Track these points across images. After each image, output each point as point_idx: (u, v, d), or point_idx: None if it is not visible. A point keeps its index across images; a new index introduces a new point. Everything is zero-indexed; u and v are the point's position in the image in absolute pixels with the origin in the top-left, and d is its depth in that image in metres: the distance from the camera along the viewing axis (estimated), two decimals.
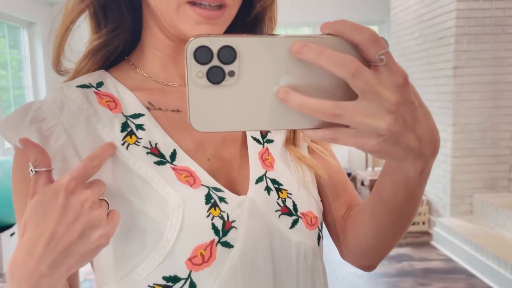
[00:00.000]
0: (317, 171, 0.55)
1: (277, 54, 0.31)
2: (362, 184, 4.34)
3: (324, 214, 0.58)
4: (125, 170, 0.46)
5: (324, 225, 0.57)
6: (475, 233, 3.07)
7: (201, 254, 0.44)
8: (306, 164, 0.55)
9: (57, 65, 0.52)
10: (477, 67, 3.39)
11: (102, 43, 0.52)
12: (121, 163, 0.47)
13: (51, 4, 4.73)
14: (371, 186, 4.13)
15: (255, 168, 0.51)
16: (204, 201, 0.46)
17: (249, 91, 0.31)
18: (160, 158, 0.48)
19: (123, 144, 0.48)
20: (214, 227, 0.45)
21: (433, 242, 3.48)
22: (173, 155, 0.48)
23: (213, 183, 0.48)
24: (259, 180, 0.51)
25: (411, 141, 0.34)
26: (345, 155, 5.36)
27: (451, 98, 3.43)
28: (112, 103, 0.50)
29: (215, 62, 0.31)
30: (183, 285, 0.44)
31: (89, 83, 0.51)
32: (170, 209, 0.45)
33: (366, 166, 4.98)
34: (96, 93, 0.50)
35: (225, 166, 0.51)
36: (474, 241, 2.94)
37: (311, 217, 0.51)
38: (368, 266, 0.57)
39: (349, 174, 5.07)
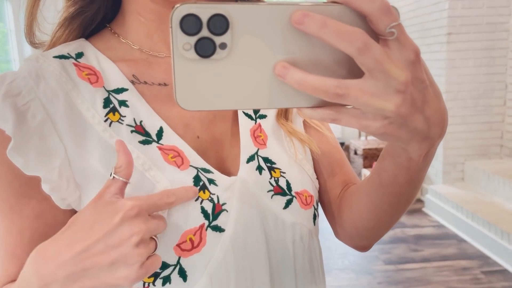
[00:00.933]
0: (309, 146, 0.53)
1: (275, 24, 0.28)
2: (355, 153, 4.35)
3: (319, 192, 0.56)
4: (108, 150, 0.43)
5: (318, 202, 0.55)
6: (466, 199, 3.12)
7: (190, 239, 0.42)
8: (297, 139, 0.52)
9: (30, 36, 0.48)
10: (471, 33, 3.35)
11: (78, 9, 0.47)
12: (103, 142, 0.43)
13: None
14: (364, 156, 4.15)
15: (246, 146, 0.49)
16: (192, 183, 0.44)
17: (242, 65, 0.28)
18: (146, 137, 0.44)
19: (105, 121, 0.44)
20: (203, 211, 0.43)
21: (425, 209, 3.53)
22: (160, 133, 0.45)
23: (202, 163, 0.45)
24: (251, 159, 0.48)
25: (418, 123, 0.31)
26: (338, 126, 5.34)
27: (444, 65, 3.41)
28: (93, 76, 0.46)
29: (205, 32, 0.27)
30: (172, 271, 0.42)
31: (68, 54, 0.47)
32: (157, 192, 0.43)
33: (360, 135, 4.98)
34: (75, 64, 0.46)
35: (216, 144, 0.48)
36: (465, 208, 2.98)
37: (306, 196, 0.49)
38: (363, 246, 0.56)
39: (342, 144, 5.08)
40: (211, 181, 0.44)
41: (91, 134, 0.43)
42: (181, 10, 0.27)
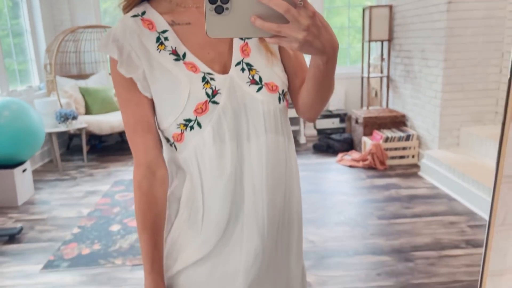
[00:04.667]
0: (275, 57, 0.84)
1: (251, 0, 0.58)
2: (356, 122, 4.48)
3: (290, 87, 0.86)
4: (160, 64, 0.78)
5: (287, 91, 0.86)
6: (459, 162, 3.27)
7: (201, 108, 0.77)
8: (270, 51, 0.84)
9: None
10: (471, 2, 3.42)
11: None
12: (155, 61, 0.79)
13: None
14: (364, 124, 4.29)
15: (236, 56, 0.81)
16: (201, 80, 0.78)
17: (237, 17, 0.58)
18: (177, 57, 0.79)
19: (157, 49, 0.79)
20: (207, 93, 0.78)
21: (420, 173, 3.69)
22: (184, 55, 0.80)
23: (208, 70, 0.79)
24: (238, 64, 0.81)
25: (318, 45, 0.62)
26: (342, 98, 5.47)
27: (444, 33, 3.50)
28: (150, 25, 0.81)
29: (219, 3, 0.57)
30: (194, 123, 0.78)
31: (138, 13, 0.82)
32: (183, 86, 0.77)
33: (361, 106, 5.11)
34: (141, 19, 0.81)
35: (219, 57, 0.81)
36: (457, 169, 3.13)
37: (272, 85, 0.81)
38: (309, 118, 0.87)
39: (345, 114, 5.21)
40: (212, 79, 0.79)
41: (152, 57, 0.79)
42: None
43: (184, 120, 0.77)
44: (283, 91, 0.83)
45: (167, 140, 0.82)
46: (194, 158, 0.80)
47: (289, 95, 0.88)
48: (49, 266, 2.41)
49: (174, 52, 0.79)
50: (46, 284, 2.24)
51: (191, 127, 0.78)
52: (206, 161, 0.79)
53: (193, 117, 0.77)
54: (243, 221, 0.80)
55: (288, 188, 0.84)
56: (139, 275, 2.28)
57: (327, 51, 0.64)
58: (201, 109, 0.77)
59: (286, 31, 0.58)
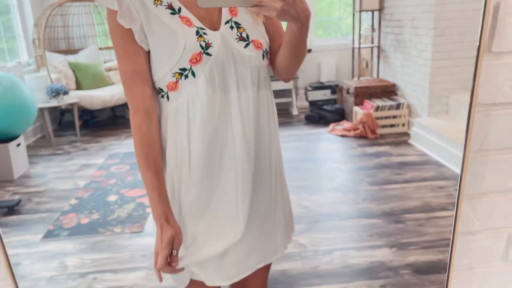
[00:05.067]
0: (260, 17, 0.93)
1: None
2: (348, 92, 4.52)
3: (269, 50, 0.95)
4: (155, 17, 0.84)
5: (268, 51, 0.95)
6: (448, 129, 3.34)
7: (195, 58, 0.85)
8: (256, 15, 0.93)
9: None
10: None
11: None
12: (152, 14, 0.84)
13: None
14: (355, 94, 4.33)
15: (225, 15, 0.90)
16: (195, 33, 0.86)
17: None
18: (173, 11, 0.86)
19: (154, 3, 0.85)
20: (201, 45, 0.86)
21: (410, 141, 3.76)
22: (179, 9, 0.87)
23: (200, 25, 0.87)
24: (227, 22, 0.90)
25: (293, 13, 0.72)
26: (333, 69, 5.49)
27: (433, 1, 3.50)
28: None
29: None
30: (188, 72, 0.85)
31: None
32: (179, 37, 0.84)
33: (352, 77, 5.14)
34: None
35: (209, 15, 0.89)
36: (446, 136, 3.20)
37: (257, 43, 0.91)
38: (285, 78, 0.97)
39: (336, 85, 5.24)
40: (204, 33, 0.87)
41: (149, 11, 0.84)
42: None
43: (180, 69, 0.84)
44: (266, 49, 0.93)
45: (160, 91, 0.89)
46: (185, 107, 0.86)
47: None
48: (49, 235, 2.46)
49: (170, 7, 0.86)
50: (47, 252, 2.29)
51: (186, 76, 0.85)
52: (197, 109, 0.86)
53: (188, 66, 0.84)
54: (236, 157, 0.88)
55: (273, 133, 0.95)
56: (138, 242, 2.35)
57: (301, 19, 0.74)
58: (196, 59, 0.84)
59: (266, 1, 0.68)
